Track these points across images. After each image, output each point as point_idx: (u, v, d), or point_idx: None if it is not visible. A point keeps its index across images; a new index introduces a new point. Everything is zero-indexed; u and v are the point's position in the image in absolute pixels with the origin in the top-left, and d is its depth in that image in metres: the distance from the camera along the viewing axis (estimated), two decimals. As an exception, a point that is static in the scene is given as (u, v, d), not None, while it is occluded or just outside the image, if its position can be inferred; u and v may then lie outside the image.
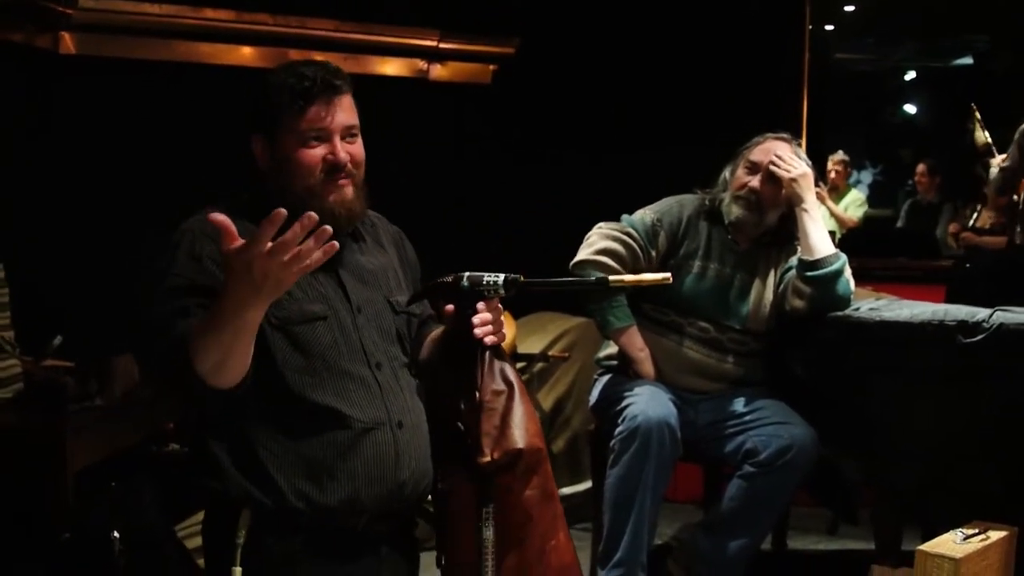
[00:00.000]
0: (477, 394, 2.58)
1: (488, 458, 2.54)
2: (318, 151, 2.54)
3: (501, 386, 2.60)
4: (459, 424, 2.59)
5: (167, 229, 2.60)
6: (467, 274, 2.58)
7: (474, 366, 2.59)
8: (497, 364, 2.62)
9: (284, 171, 2.55)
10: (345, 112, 2.59)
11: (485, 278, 2.56)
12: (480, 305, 2.57)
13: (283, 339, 2.46)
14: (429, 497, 2.70)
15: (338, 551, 2.53)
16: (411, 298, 2.74)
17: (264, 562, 2.48)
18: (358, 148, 2.63)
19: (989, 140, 6.66)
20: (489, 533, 2.55)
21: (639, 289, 4.39)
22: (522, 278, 2.58)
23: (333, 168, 2.56)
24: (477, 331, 2.57)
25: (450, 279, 2.59)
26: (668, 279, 2.65)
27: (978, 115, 6.79)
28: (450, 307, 2.61)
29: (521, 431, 2.57)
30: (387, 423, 2.55)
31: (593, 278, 2.72)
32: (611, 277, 2.69)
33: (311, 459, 2.47)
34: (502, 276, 2.57)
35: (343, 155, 2.57)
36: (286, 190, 2.54)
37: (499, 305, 2.63)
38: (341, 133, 2.58)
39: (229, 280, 2.21)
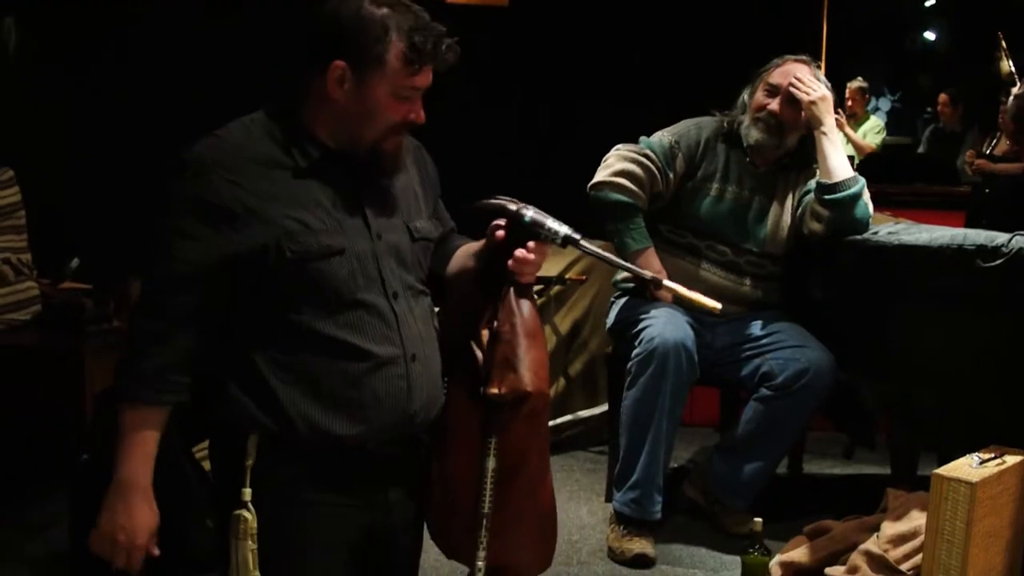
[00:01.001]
0: (495, 323, 2.56)
1: (496, 390, 2.53)
2: (404, 107, 2.49)
3: (519, 324, 2.58)
4: (474, 346, 2.58)
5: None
6: (532, 211, 2.52)
7: (498, 295, 2.57)
8: (521, 302, 2.60)
9: (359, 110, 2.47)
10: (431, 74, 2.52)
11: (548, 223, 2.51)
12: (531, 245, 2.54)
13: (296, 272, 2.42)
14: None
15: (346, 472, 2.53)
16: (476, 209, 2.66)
17: (272, 484, 2.47)
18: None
19: (1012, 69, 6.60)
20: (491, 463, 2.55)
21: (657, 211, 4.39)
22: (581, 240, 2.55)
23: (409, 127, 2.52)
24: (513, 265, 2.55)
25: (514, 208, 2.54)
26: (717, 308, 2.64)
27: (1004, 43, 6.71)
28: (501, 232, 2.57)
29: (531, 375, 2.55)
30: (401, 356, 2.52)
31: (650, 275, 2.68)
32: (666, 283, 2.66)
33: (321, 389, 2.44)
34: (564, 229, 2.51)
35: (423, 118, 2.53)
36: (349, 124, 2.48)
37: (547, 250, 2.59)
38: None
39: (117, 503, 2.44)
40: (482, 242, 2.65)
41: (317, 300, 2.44)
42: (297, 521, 2.50)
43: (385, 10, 2.41)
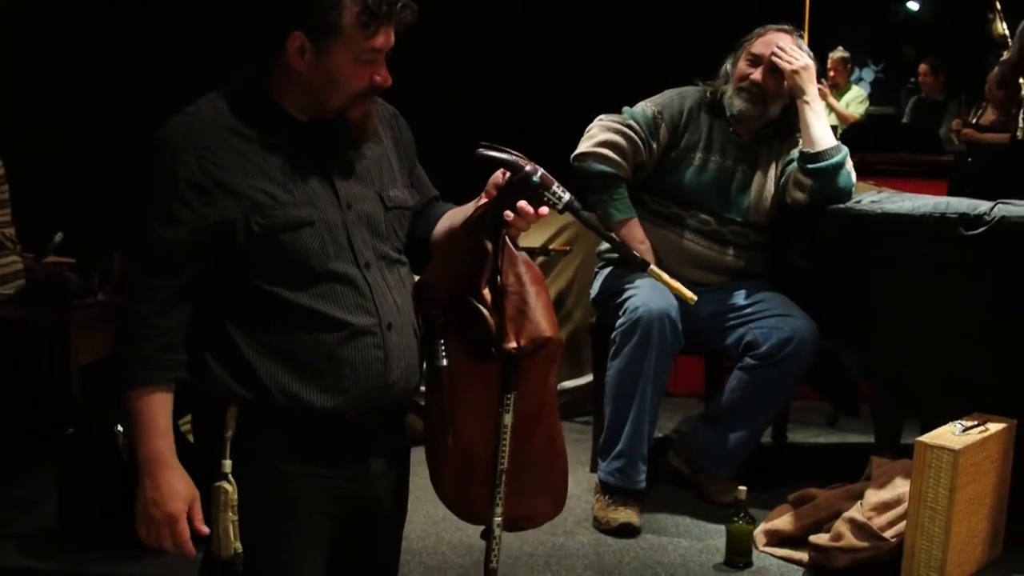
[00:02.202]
0: (499, 278, 2.56)
1: (514, 344, 2.53)
2: (367, 71, 2.48)
3: (523, 273, 2.58)
4: (479, 305, 2.57)
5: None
6: (541, 171, 2.50)
7: (496, 250, 2.56)
8: (518, 253, 2.60)
9: (323, 81, 2.47)
10: (392, 34, 2.51)
11: (554, 187, 2.50)
12: (543, 210, 2.54)
13: (266, 245, 2.42)
14: (423, 389, 2.70)
15: (326, 443, 2.53)
16: (481, 158, 2.65)
17: (252, 455, 2.48)
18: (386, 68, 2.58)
19: (1006, 31, 6.58)
20: (509, 418, 2.56)
21: (640, 181, 4.39)
22: (581, 209, 2.55)
23: (374, 91, 2.51)
24: (513, 219, 2.54)
25: (527, 166, 2.53)
26: (693, 300, 2.65)
27: (998, 5, 6.69)
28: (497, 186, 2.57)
29: (547, 321, 2.57)
30: (377, 325, 2.52)
31: (639, 256, 2.68)
32: (652, 268, 2.66)
33: (296, 359, 2.43)
34: (567, 196, 2.51)
35: (389, 80, 2.52)
36: (314, 94, 2.48)
37: (547, 212, 2.59)
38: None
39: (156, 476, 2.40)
40: (471, 204, 2.64)
41: (289, 272, 2.43)
42: (277, 492, 2.50)
43: None
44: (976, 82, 8.66)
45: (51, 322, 4.20)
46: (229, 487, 2.42)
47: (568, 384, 5.58)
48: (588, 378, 5.29)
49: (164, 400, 2.43)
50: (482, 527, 2.64)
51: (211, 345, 2.46)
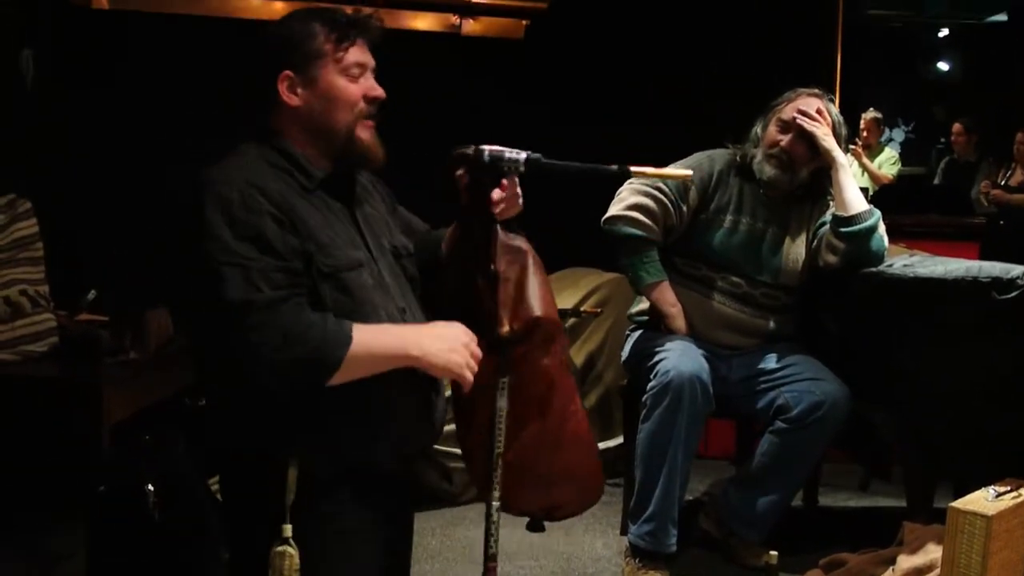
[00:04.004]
0: (492, 266, 2.58)
1: (507, 328, 2.55)
2: (358, 86, 2.55)
3: (515, 257, 2.60)
4: (476, 298, 2.59)
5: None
6: (487, 148, 2.56)
7: (489, 240, 2.58)
8: (512, 236, 2.63)
9: (323, 105, 2.53)
10: (367, 51, 2.61)
11: (505, 154, 2.54)
12: (504, 183, 2.58)
13: (334, 287, 2.43)
14: None
15: (377, 495, 2.54)
16: (438, 171, 2.71)
17: (316, 516, 2.46)
18: None
19: None
20: (503, 403, 2.57)
21: (671, 244, 4.39)
22: (542, 158, 2.57)
23: (373, 102, 2.56)
24: (495, 209, 2.59)
25: (470, 151, 2.56)
26: (689, 176, 2.81)
27: None
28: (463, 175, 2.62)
29: (538, 300, 2.58)
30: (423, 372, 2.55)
31: (615, 167, 2.65)
32: (633, 168, 2.65)
33: (366, 409, 2.44)
34: (523, 154, 2.56)
35: (382, 92, 2.58)
36: (320, 122, 2.53)
37: (516, 179, 2.62)
38: (372, 72, 2.59)
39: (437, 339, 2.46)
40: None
41: (354, 310, 2.44)
42: (343, 550, 2.51)
43: (308, 15, 2.55)
44: (1004, 144, 8.68)
45: (83, 379, 4.21)
46: (293, 551, 2.40)
47: (599, 446, 5.55)
48: (619, 440, 5.27)
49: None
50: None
51: (265, 401, 2.39)
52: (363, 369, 2.37)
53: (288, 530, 2.40)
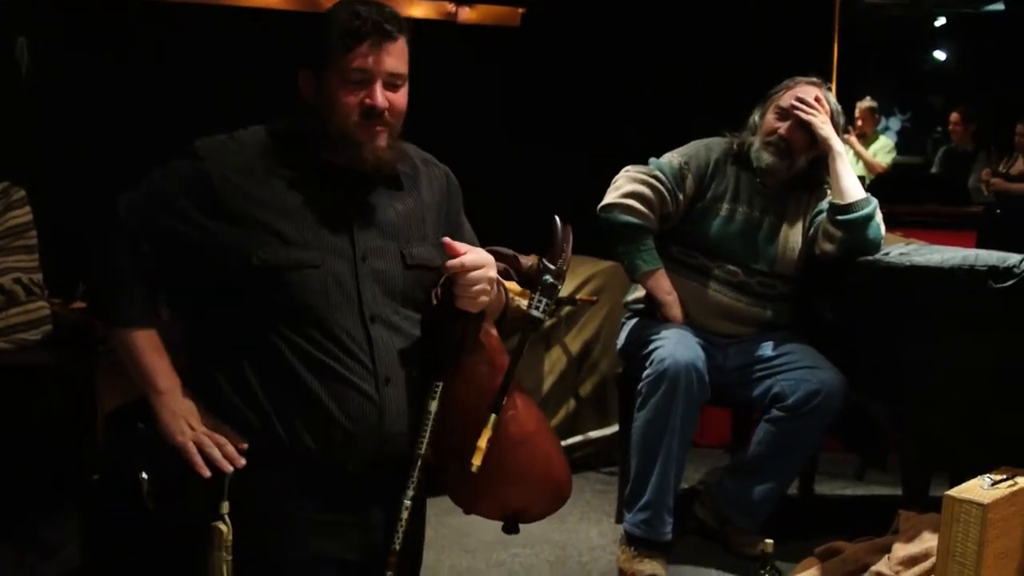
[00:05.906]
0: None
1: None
2: (357, 95, 2.51)
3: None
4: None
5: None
6: (551, 279, 2.71)
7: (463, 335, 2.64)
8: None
9: (324, 110, 2.52)
10: (393, 59, 2.53)
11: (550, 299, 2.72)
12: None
13: (267, 282, 2.45)
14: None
15: (325, 488, 2.54)
16: (506, 256, 2.83)
17: (251, 496, 2.50)
18: (400, 98, 2.58)
19: None
20: (434, 405, 2.60)
21: (667, 232, 4.38)
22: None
23: (369, 113, 2.52)
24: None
25: (534, 267, 2.71)
26: None
27: None
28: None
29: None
30: (372, 380, 2.53)
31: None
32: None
33: (297, 402, 2.48)
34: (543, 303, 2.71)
35: (381, 101, 2.51)
36: (324, 128, 2.53)
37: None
38: (385, 80, 2.52)
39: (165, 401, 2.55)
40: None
41: (290, 314, 2.48)
42: (275, 533, 2.54)
43: (333, 12, 2.55)
44: (1003, 133, 8.67)
45: (77, 367, 4.19)
46: (224, 528, 2.46)
47: (594, 434, 5.56)
48: (614, 428, 5.27)
49: (155, 340, 2.61)
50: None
51: (227, 375, 2.53)
52: (125, 360, 2.58)
53: (226, 507, 2.47)
